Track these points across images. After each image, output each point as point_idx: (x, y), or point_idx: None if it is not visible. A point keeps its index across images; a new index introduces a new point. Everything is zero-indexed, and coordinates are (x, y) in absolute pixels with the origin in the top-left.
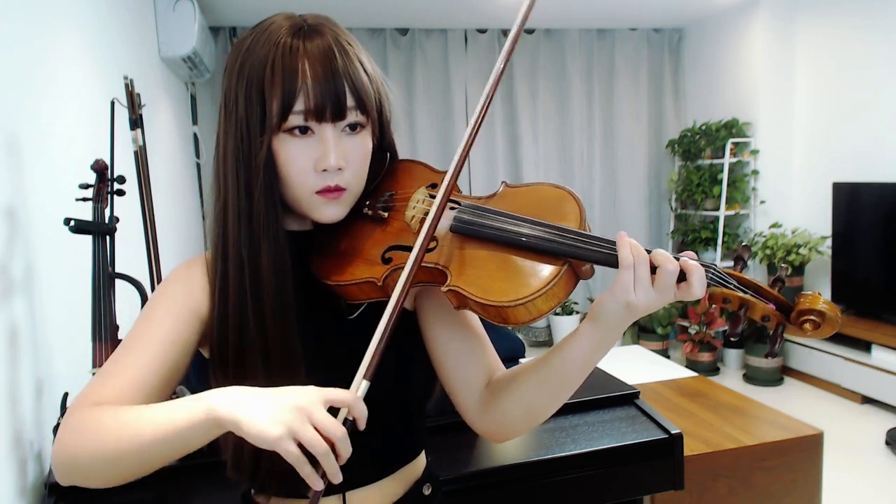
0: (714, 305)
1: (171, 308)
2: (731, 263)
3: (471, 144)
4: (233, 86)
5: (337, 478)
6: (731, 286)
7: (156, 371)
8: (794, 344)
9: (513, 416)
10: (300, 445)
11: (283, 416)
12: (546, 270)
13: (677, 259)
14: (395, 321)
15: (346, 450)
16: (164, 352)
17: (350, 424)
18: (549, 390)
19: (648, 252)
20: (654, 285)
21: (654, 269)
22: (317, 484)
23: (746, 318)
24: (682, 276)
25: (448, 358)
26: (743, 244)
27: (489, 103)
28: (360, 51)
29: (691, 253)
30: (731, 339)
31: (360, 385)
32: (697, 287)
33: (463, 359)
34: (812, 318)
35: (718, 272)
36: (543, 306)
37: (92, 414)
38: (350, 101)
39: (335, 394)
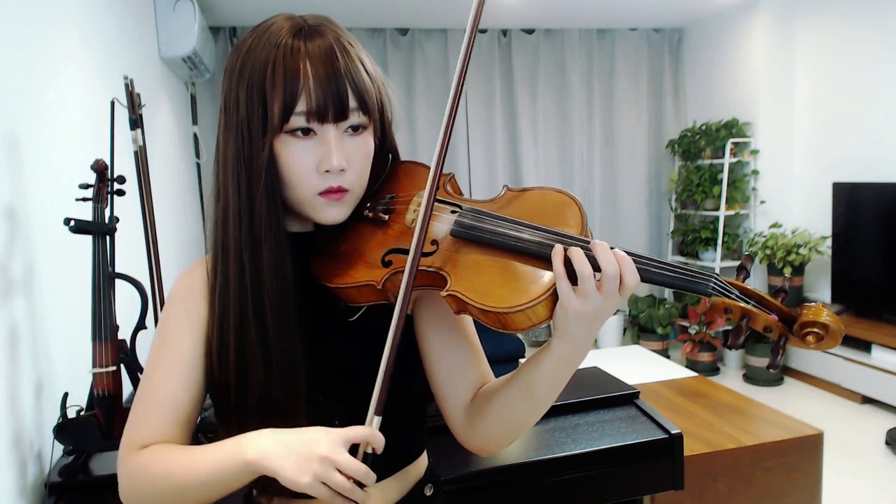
0: (716, 316)
1: (181, 330)
2: (732, 263)
3: (446, 148)
4: (233, 87)
5: (368, 502)
6: (734, 296)
7: (185, 396)
8: None
9: (494, 430)
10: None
11: (311, 466)
12: (546, 276)
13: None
14: (396, 353)
15: (370, 481)
16: (188, 377)
17: (371, 457)
18: (526, 405)
19: (586, 244)
20: (600, 290)
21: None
22: None
23: (748, 329)
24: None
25: (439, 370)
26: (746, 254)
27: (456, 107)
28: (362, 51)
29: (622, 254)
30: (733, 349)
31: (374, 420)
32: (630, 281)
33: (453, 372)
34: (815, 330)
35: (721, 282)
36: (543, 313)
37: (142, 461)
38: (352, 102)
39: (353, 433)
